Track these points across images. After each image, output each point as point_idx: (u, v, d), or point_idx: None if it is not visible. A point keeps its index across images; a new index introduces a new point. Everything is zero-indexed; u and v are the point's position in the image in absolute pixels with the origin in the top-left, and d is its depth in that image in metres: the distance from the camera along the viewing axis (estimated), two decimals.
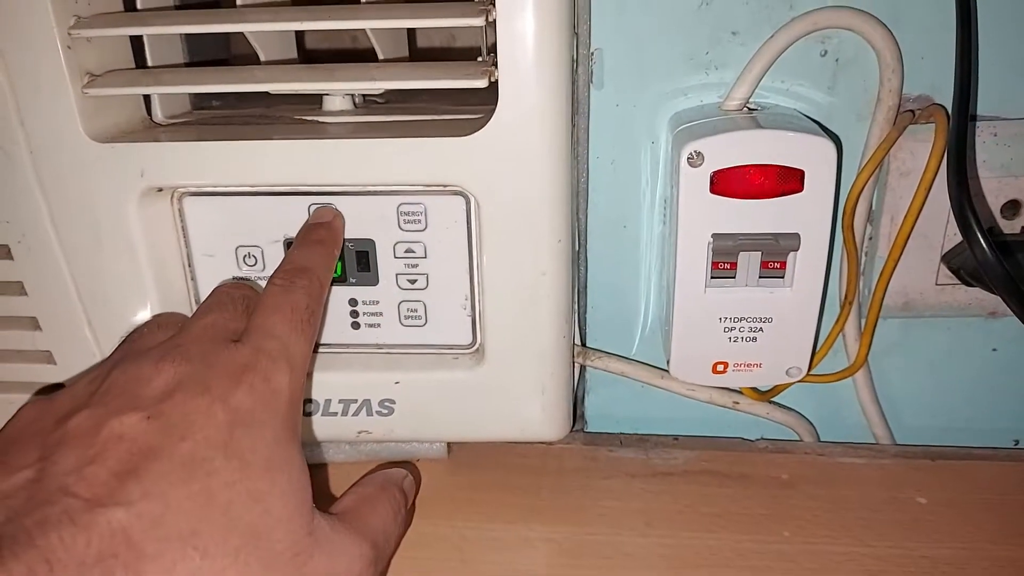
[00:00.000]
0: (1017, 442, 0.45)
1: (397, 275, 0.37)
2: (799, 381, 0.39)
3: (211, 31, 0.33)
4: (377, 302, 0.38)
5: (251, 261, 0.37)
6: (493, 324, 0.36)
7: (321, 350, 0.39)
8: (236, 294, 0.34)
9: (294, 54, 0.41)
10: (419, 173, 0.34)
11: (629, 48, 0.37)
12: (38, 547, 0.22)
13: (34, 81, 0.33)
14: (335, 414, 0.38)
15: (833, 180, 0.33)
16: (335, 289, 0.37)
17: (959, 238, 0.36)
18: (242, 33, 0.37)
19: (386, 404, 0.38)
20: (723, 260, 0.35)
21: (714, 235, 0.35)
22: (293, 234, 0.36)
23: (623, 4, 0.37)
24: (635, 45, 0.37)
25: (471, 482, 0.40)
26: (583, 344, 0.44)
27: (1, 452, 0.26)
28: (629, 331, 0.44)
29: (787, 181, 0.33)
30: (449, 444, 0.42)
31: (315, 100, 0.39)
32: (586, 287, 0.43)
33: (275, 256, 0.37)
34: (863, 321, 0.41)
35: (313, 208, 0.36)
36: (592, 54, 0.38)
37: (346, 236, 0.36)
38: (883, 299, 0.39)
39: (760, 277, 0.36)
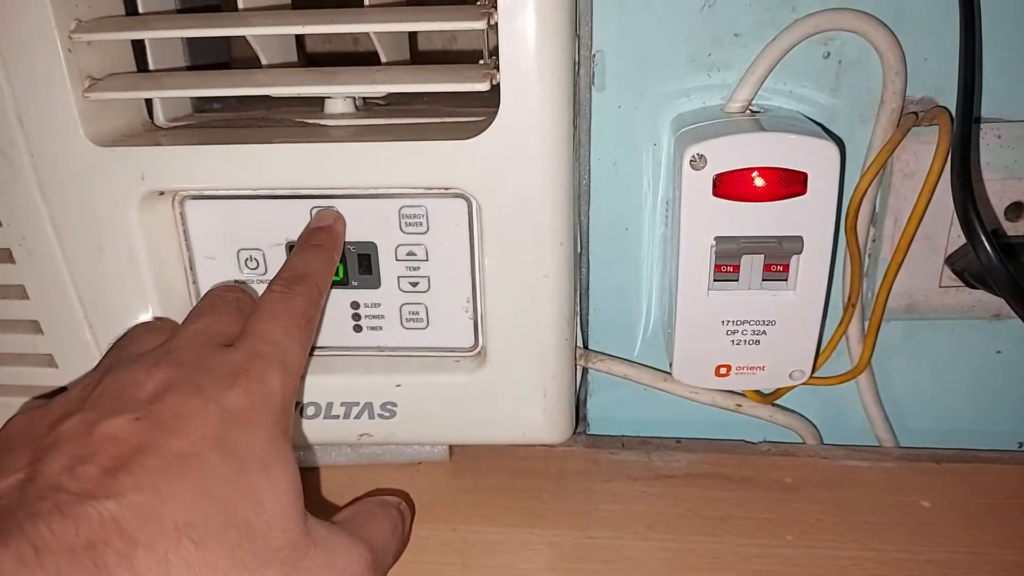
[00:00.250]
0: (1021, 444, 0.45)
1: (399, 278, 0.37)
2: (802, 384, 0.39)
3: (212, 35, 0.33)
4: (379, 305, 0.38)
5: (253, 264, 0.37)
6: (495, 327, 0.36)
7: (322, 353, 0.39)
8: (229, 297, 0.34)
9: (295, 57, 0.41)
10: (421, 176, 0.34)
11: (631, 50, 0.37)
12: (26, 536, 0.22)
13: (35, 84, 0.33)
14: (337, 417, 0.38)
15: (836, 182, 0.33)
16: (337, 292, 0.37)
17: (963, 240, 0.36)
18: (243, 37, 0.37)
19: (388, 407, 0.38)
20: (726, 263, 0.35)
21: (717, 238, 0.35)
22: (295, 237, 0.36)
23: (625, 5, 0.37)
24: (637, 47, 0.37)
25: (473, 485, 0.40)
26: (585, 347, 0.44)
27: None
28: (631, 334, 0.44)
29: (790, 184, 0.33)
30: (451, 447, 0.42)
31: (316, 103, 0.39)
32: (588, 289, 0.43)
33: (277, 259, 0.37)
34: (866, 323, 0.41)
35: (315, 211, 0.36)
36: (594, 56, 0.37)
37: (348, 239, 0.36)
38: (887, 301, 0.39)
39: (763, 280, 0.35)
